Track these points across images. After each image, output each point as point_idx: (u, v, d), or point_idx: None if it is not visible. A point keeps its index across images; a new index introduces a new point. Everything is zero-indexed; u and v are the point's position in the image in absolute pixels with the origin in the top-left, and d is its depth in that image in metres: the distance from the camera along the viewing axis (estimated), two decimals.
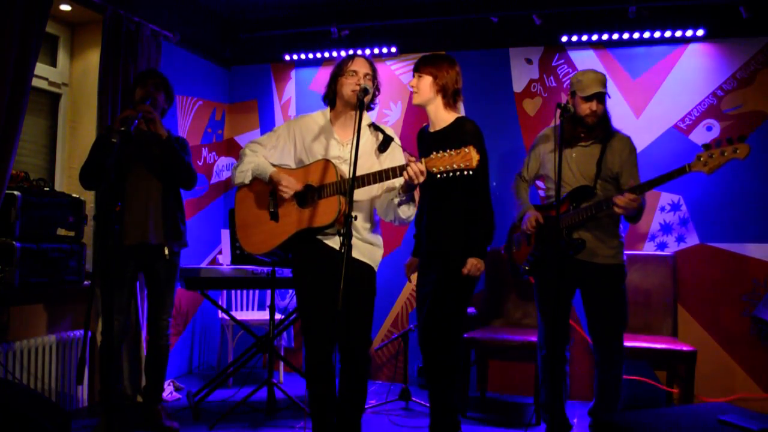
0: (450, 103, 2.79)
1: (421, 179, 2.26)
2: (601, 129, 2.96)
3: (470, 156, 2.17)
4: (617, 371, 3.00)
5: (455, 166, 2.19)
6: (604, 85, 2.92)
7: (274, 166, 2.60)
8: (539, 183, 3.45)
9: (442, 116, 2.79)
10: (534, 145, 3.23)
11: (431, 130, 2.85)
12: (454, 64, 2.79)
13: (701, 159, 2.65)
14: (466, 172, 2.19)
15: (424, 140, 2.92)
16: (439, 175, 2.23)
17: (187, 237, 3.34)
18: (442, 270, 2.74)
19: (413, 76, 2.82)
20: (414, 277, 3.02)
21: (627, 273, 3.03)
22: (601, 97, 2.91)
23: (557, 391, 3.06)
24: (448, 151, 2.21)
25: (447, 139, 2.72)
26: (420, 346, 2.87)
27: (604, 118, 2.96)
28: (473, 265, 2.67)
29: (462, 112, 2.85)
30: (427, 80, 2.76)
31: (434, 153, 2.23)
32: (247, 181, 2.61)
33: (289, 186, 2.50)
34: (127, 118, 2.85)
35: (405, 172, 2.29)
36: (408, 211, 2.47)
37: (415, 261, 3.07)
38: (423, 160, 2.25)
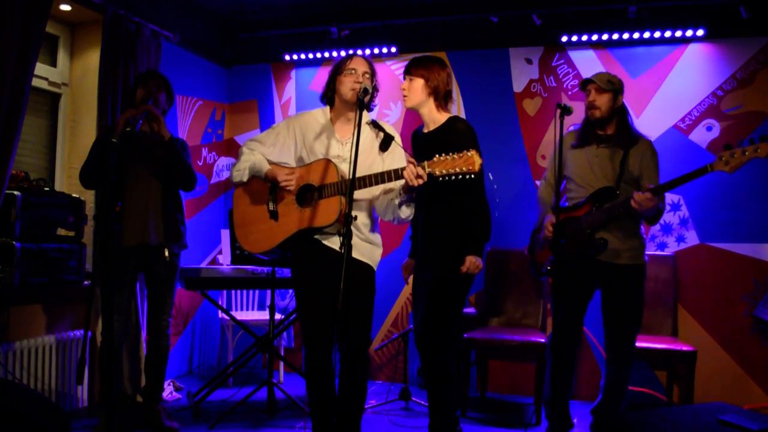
0: (442, 104, 2.80)
1: (418, 182, 2.24)
2: (621, 133, 2.97)
3: (473, 160, 2.16)
4: (626, 371, 3.00)
5: (457, 170, 2.18)
6: (604, 79, 2.93)
7: (272, 163, 2.59)
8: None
9: (435, 117, 2.81)
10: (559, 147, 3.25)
11: (425, 131, 2.86)
12: (445, 66, 2.81)
13: (723, 158, 2.65)
14: (468, 176, 2.19)
15: (418, 142, 2.92)
16: (441, 179, 2.22)
17: (187, 238, 3.34)
18: (438, 269, 2.75)
19: (404, 78, 2.82)
20: (411, 278, 3.03)
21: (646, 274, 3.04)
22: (598, 87, 2.92)
23: (563, 389, 3.07)
24: (450, 154, 2.20)
25: (440, 139, 2.72)
26: (417, 346, 2.87)
27: (620, 120, 2.98)
28: (472, 262, 2.68)
29: (457, 114, 2.86)
30: (419, 83, 2.76)
31: (437, 156, 2.22)
32: (245, 180, 2.60)
33: (290, 178, 2.49)
34: (131, 118, 2.85)
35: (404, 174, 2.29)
36: (407, 211, 2.47)
37: (412, 263, 3.07)
38: (426, 162, 2.24)
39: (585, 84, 2.99)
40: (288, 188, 2.50)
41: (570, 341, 3.06)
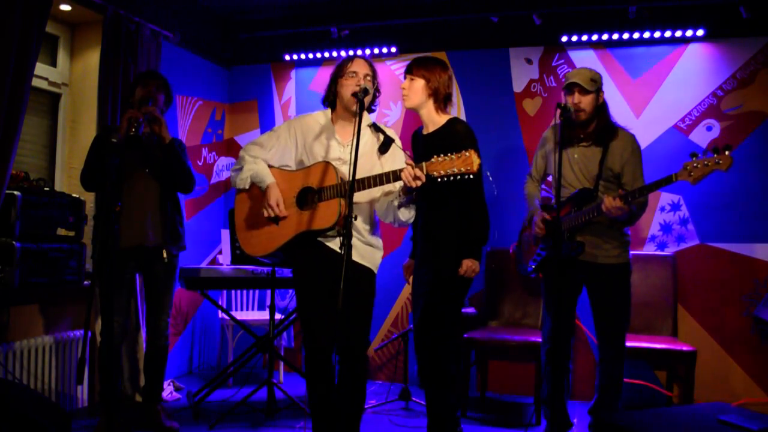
0: (441, 107, 2.79)
1: (416, 184, 2.24)
2: (601, 130, 2.95)
3: (471, 160, 2.16)
4: (619, 369, 3.00)
5: (456, 170, 2.18)
6: (587, 78, 2.88)
7: (272, 167, 2.60)
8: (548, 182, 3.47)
9: (434, 119, 2.80)
10: (541, 144, 3.24)
11: (424, 132, 2.86)
12: (447, 69, 2.80)
13: (687, 168, 2.66)
14: (467, 176, 2.19)
15: (418, 143, 2.92)
16: (440, 179, 2.22)
17: (186, 238, 3.33)
18: (436, 271, 2.75)
19: (404, 77, 2.81)
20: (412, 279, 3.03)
21: (632, 271, 3.03)
22: (582, 89, 2.87)
23: (559, 387, 3.07)
24: (449, 155, 2.20)
25: (440, 140, 2.72)
26: (415, 348, 2.87)
27: (601, 118, 2.95)
28: (468, 266, 2.68)
29: (456, 116, 2.86)
30: (420, 83, 2.75)
31: (435, 156, 2.22)
32: (246, 187, 2.62)
33: (275, 207, 2.48)
34: (132, 119, 2.84)
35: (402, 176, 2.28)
36: (408, 214, 2.47)
37: (413, 263, 3.07)
38: (424, 164, 2.24)
39: (571, 87, 2.91)
40: (266, 215, 2.50)
41: (563, 338, 3.06)
